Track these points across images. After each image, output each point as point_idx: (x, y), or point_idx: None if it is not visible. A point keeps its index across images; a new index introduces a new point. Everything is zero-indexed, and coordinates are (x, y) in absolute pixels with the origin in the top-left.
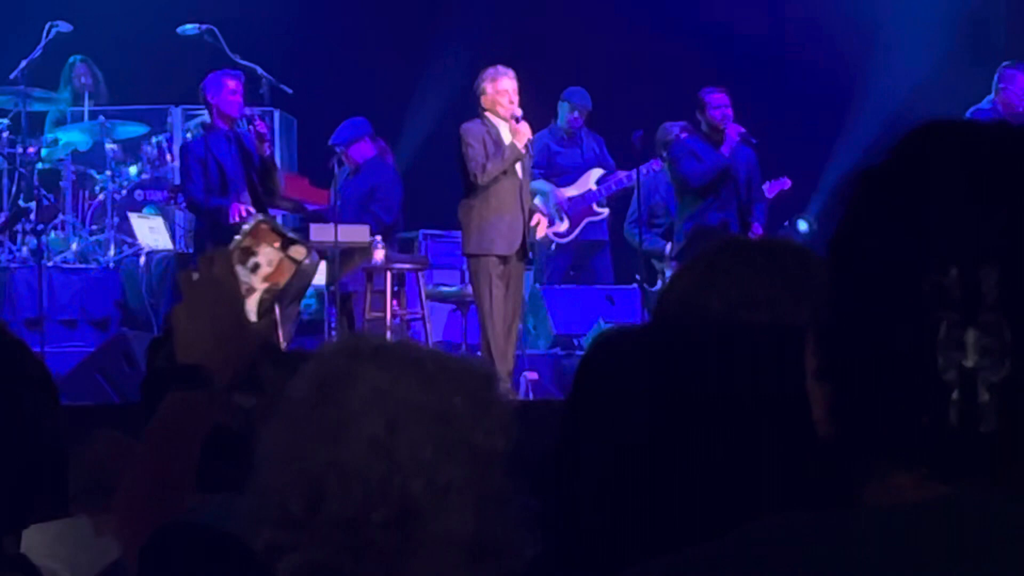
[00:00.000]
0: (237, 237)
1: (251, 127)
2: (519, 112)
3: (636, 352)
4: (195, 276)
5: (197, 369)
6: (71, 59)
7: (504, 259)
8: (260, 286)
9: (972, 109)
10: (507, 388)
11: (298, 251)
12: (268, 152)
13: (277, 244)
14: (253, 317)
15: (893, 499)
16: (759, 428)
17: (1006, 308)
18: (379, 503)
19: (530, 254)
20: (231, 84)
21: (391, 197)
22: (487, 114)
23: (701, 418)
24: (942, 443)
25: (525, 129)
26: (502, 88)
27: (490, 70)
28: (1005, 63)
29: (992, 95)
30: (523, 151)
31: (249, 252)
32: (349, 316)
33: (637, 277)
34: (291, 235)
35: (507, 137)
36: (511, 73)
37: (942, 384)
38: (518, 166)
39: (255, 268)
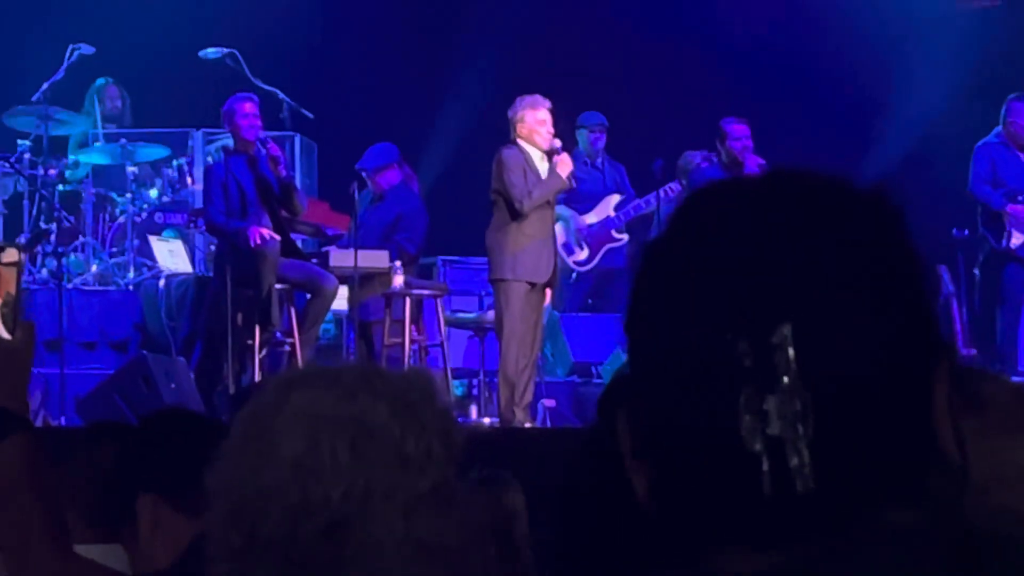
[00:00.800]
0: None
1: (264, 150)
2: (558, 143)
3: None
4: None
5: (3, 412)
6: (99, 81)
7: (533, 287)
8: None
9: (980, 143)
10: (522, 416)
11: (10, 254)
12: (284, 174)
13: None
14: (5, 334)
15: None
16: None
17: (801, 369)
18: (304, 518)
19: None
20: (247, 107)
21: (415, 227)
22: (520, 141)
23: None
24: (761, 514)
25: (567, 160)
26: (541, 117)
27: (528, 98)
28: (1012, 95)
29: (999, 127)
30: (567, 182)
31: None
32: (369, 344)
33: None
34: None
35: (539, 166)
36: (548, 103)
37: (751, 455)
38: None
39: None
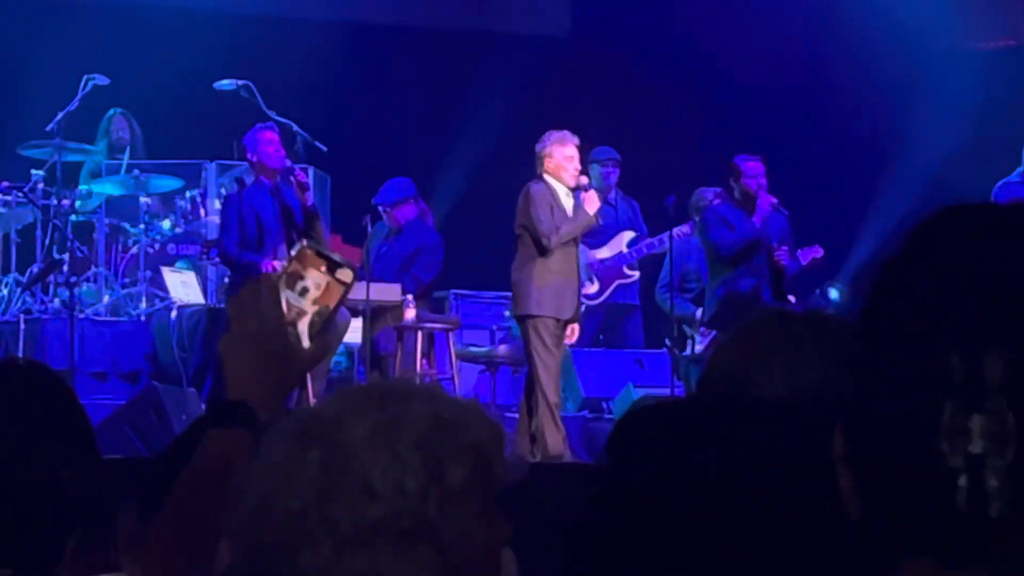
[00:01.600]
0: (283, 263)
1: (292, 178)
2: (585, 180)
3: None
4: (240, 307)
5: (239, 406)
6: (110, 112)
7: (557, 323)
8: (310, 309)
9: (1001, 183)
10: (565, 453)
11: (345, 273)
12: (310, 202)
13: (323, 268)
14: (306, 341)
15: None
16: (792, 508)
17: (1010, 393)
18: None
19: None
20: (268, 136)
21: (433, 259)
22: (547, 177)
23: (733, 496)
24: (952, 530)
25: (595, 197)
26: (569, 153)
27: (556, 134)
28: None
29: (1022, 167)
30: (595, 219)
31: (296, 276)
32: (383, 377)
33: (667, 342)
34: (337, 258)
35: (565, 202)
36: (576, 139)
37: (949, 470)
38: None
39: (303, 292)
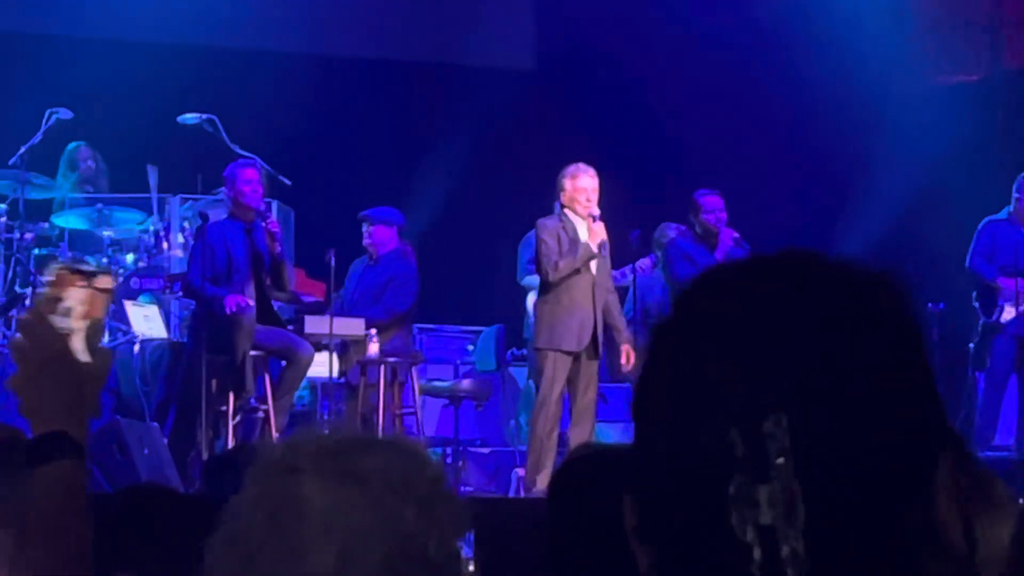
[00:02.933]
0: (40, 290)
1: (264, 224)
2: (596, 211)
3: (604, 476)
4: (18, 341)
5: (56, 437)
6: (73, 144)
7: (574, 356)
8: (80, 325)
9: (986, 219)
10: (543, 484)
11: (103, 280)
12: (279, 250)
13: (82, 282)
14: (85, 357)
15: None
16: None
17: (794, 459)
18: None
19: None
20: (249, 174)
21: (406, 289)
22: (565, 210)
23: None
24: None
25: (600, 229)
26: (580, 186)
27: (571, 167)
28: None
29: (1010, 206)
30: (596, 251)
31: (56, 300)
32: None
33: (631, 378)
34: (89, 268)
35: (583, 234)
36: (592, 172)
37: (743, 544)
38: (593, 264)
39: (67, 312)
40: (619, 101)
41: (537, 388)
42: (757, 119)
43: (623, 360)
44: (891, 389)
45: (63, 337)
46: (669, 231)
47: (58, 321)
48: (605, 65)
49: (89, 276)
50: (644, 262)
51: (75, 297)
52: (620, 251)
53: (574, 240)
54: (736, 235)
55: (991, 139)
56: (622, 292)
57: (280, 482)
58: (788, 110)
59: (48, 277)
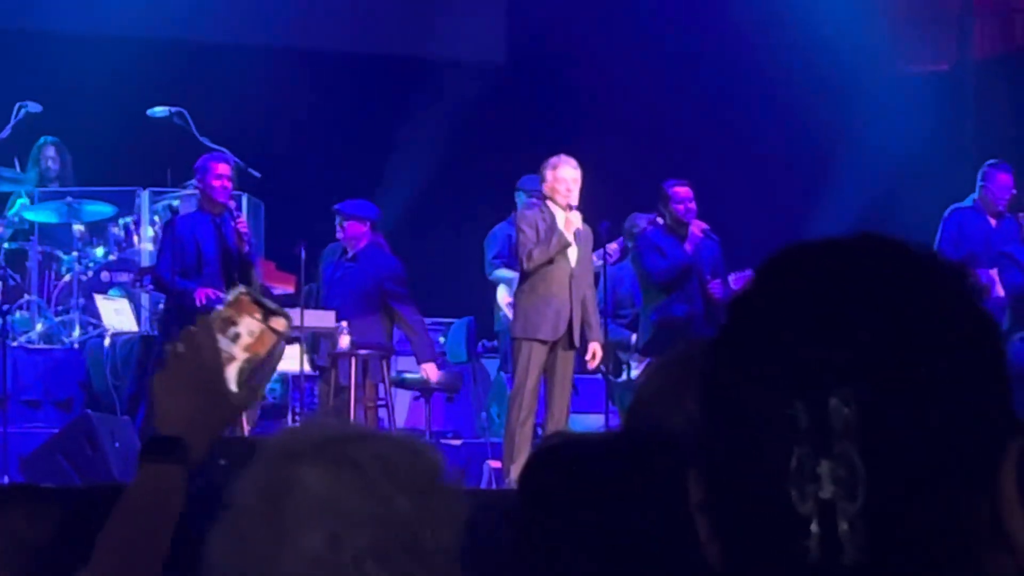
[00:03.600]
0: (219, 308)
1: (233, 223)
2: (574, 201)
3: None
4: (179, 348)
5: (174, 441)
6: (41, 140)
7: (549, 346)
8: (241, 355)
9: (952, 207)
10: (515, 474)
11: (279, 323)
12: (247, 250)
13: (259, 315)
14: (233, 387)
15: None
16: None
17: (857, 436)
18: None
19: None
20: (220, 168)
21: (403, 289)
22: (547, 201)
23: (631, 539)
24: None
25: (575, 218)
26: (561, 176)
27: (552, 158)
28: (989, 161)
29: (975, 194)
30: (571, 240)
31: (230, 322)
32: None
33: (602, 368)
34: (272, 306)
35: (561, 224)
36: (573, 163)
37: (801, 517)
38: (571, 254)
39: (235, 338)
40: (589, 94)
41: (513, 377)
42: (727, 110)
43: (588, 357)
44: (963, 374)
45: (222, 359)
46: (639, 221)
47: (223, 343)
48: (575, 58)
49: (268, 313)
50: (612, 246)
51: (247, 327)
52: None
53: (551, 229)
54: (705, 226)
55: (960, 129)
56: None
57: (278, 467)
58: (758, 100)
59: (230, 297)
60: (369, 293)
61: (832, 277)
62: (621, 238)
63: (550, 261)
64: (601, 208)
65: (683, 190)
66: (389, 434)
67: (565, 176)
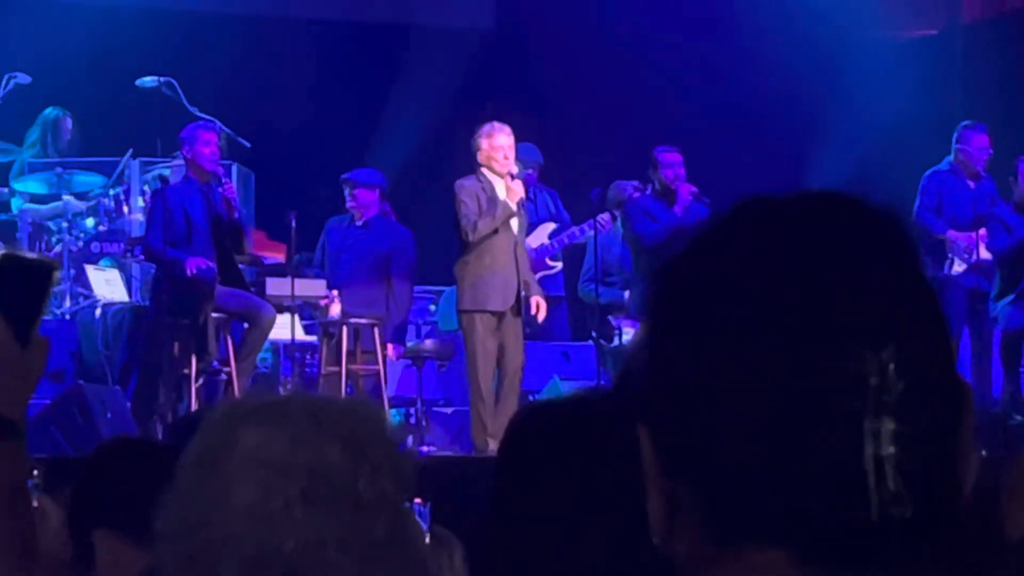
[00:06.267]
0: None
1: (220, 190)
2: (515, 169)
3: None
4: None
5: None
6: (55, 113)
7: (498, 316)
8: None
9: (930, 171)
10: (492, 448)
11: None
12: (236, 215)
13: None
14: (20, 347)
15: None
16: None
17: (906, 390)
18: (259, 570)
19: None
20: (207, 136)
21: (410, 263)
22: (483, 170)
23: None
24: (851, 532)
25: (518, 187)
26: (497, 144)
27: (486, 126)
28: (964, 123)
29: (951, 156)
30: (515, 209)
31: None
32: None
33: (593, 334)
34: (34, 256)
35: (502, 193)
36: (507, 130)
37: (849, 473)
38: (513, 223)
39: None
40: (576, 60)
41: (467, 353)
42: (715, 74)
43: (533, 311)
44: (944, 325)
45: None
46: (626, 189)
47: None
48: (563, 23)
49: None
50: (604, 217)
51: None
52: (579, 211)
53: (492, 199)
54: (695, 190)
55: (949, 93)
56: (582, 249)
57: (219, 430)
58: (746, 64)
59: None
60: (378, 261)
61: (845, 234)
62: (609, 212)
63: (494, 231)
64: (590, 174)
65: (672, 155)
66: (332, 396)
67: (501, 143)
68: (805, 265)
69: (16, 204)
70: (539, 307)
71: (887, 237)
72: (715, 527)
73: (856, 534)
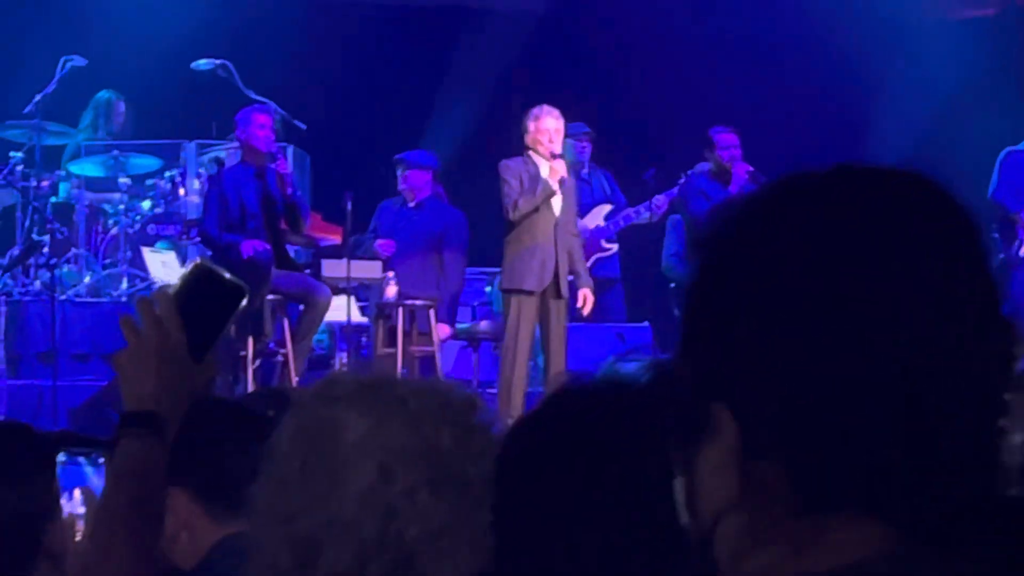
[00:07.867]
0: (176, 281)
1: (274, 166)
2: (557, 150)
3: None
4: (134, 322)
5: (149, 415)
6: (107, 96)
7: (539, 297)
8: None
9: (1007, 150)
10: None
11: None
12: (290, 192)
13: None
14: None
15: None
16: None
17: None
18: (375, 555)
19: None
20: (261, 119)
21: (463, 244)
22: (529, 152)
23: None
24: (965, 509)
25: (560, 167)
26: (544, 127)
27: (535, 109)
28: None
29: None
30: (556, 189)
31: None
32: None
33: (676, 312)
34: (228, 277)
35: (545, 174)
36: (556, 113)
37: (981, 451)
38: (555, 203)
39: None
40: (629, 41)
41: (506, 331)
42: (771, 55)
43: (579, 303)
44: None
45: (180, 330)
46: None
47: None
48: (615, 5)
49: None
50: (660, 199)
51: None
52: (635, 191)
53: (534, 179)
54: (750, 168)
55: (1006, 74)
56: (638, 230)
57: (317, 412)
58: (801, 46)
59: (185, 270)
60: (430, 242)
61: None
62: (669, 192)
63: (535, 210)
64: (645, 155)
65: (728, 136)
66: (429, 379)
67: (547, 127)
68: (907, 239)
69: (63, 188)
70: (586, 300)
71: (962, 221)
72: (808, 504)
73: (968, 511)
